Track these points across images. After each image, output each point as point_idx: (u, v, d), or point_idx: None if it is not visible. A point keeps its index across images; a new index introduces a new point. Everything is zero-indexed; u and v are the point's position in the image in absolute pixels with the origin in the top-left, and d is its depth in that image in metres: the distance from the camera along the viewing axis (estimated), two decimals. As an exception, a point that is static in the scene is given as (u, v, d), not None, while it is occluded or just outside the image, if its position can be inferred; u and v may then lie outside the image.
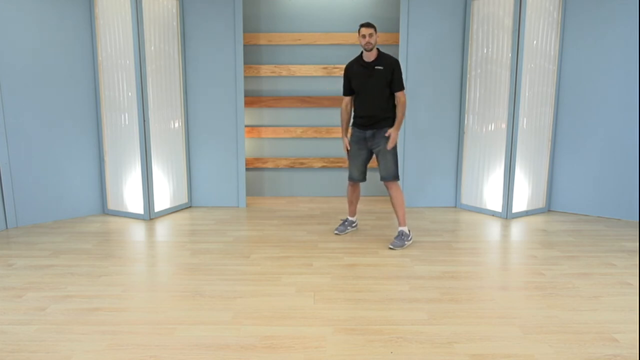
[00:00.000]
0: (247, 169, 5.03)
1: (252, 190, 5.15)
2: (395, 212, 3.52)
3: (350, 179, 3.66)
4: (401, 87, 3.44)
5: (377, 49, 3.42)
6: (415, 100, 4.50)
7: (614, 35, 4.04)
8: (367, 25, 3.33)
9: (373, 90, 3.42)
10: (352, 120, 3.63)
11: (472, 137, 4.46)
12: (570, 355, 2.02)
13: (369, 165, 3.69)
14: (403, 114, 3.44)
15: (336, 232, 3.78)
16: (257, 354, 2.02)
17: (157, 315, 2.38)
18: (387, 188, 3.51)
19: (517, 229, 3.96)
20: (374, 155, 3.59)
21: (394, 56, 3.49)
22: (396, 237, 3.46)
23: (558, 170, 4.45)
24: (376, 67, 3.38)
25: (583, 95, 4.24)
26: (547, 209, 4.51)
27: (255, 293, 2.64)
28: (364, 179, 3.65)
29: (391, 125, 3.48)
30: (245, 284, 2.76)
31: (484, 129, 4.36)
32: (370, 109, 3.45)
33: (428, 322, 2.30)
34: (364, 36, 3.32)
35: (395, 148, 3.48)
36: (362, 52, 3.45)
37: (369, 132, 3.50)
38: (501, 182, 4.28)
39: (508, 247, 3.51)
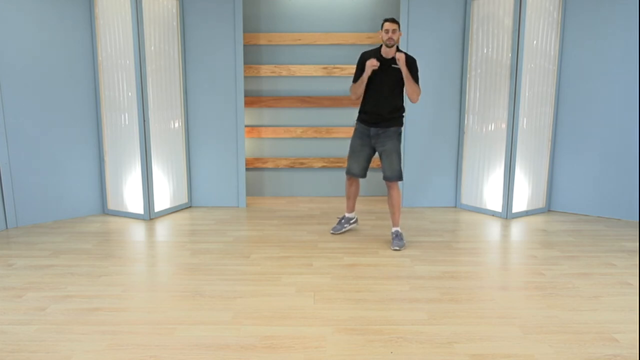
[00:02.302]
0: (247, 169, 5.03)
1: (252, 190, 5.15)
2: (393, 212, 3.51)
3: (350, 173, 3.60)
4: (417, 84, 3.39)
5: (397, 46, 3.35)
6: (415, 100, 4.50)
7: (614, 35, 4.04)
8: (392, 20, 3.27)
9: (385, 87, 3.37)
10: (357, 115, 3.59)
11: (472, 137, 4.46)
12: (570, 355, 2.02)
13: (370, 165, 3.67)
14: (417, 86, 3.34)
15: (332, 231, 3.77)
16: (257, 354, 2.02)
17: (157, 315, 2.38)
18: (389, 187, 3.49)
19: (517, 229, 3.96)
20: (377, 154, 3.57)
21: (413, 57, 3.44)
22: (395, 238, 3.45)
23: (558, 170, 4.45)
24: (393, 65, 3.33)
25: (583, 95, 4.24)
26: (547, 209, 4.51)
27: (255, 293, 2.64)
28: (364, 175, 3.61)
29: (397, 125, 3.45)
30: (245, 284, 2.76)
31: (484, 129, 4.36)
32: (378, 105, 3.40)
33: (428, 322, 2.30)
34: (387, 31, 3.25)
35: (399, 148, 3.46)
36: (381, 46, 3.38)
37: (373, 130, 3.46)
38: (501, 182, 4.28)
39: (508, 247, 3.51)
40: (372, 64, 3.28)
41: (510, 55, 4.09)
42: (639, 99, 4.01)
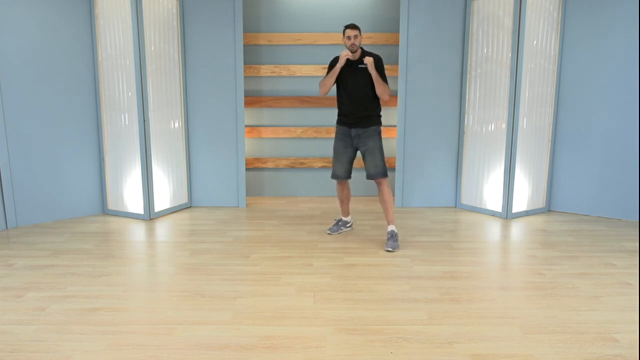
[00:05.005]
0: (247, 169, 5.03)
1: (252, 190, 5.15)
2: (386, 210, 3.50)
3: (336, 177, 3.64)
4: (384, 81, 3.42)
5: (361, 47, 3.41)
6: (415, 100, 4.50)
7: (614, 35, 4.04)
8: (353, 27, 3.33)
9: (356, 89, 3.42)
10: (336, 118, 3.63)
11: (472, 137, 4.46)
12: (570, 355, 2.01)
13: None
14: (385, 85, 3.37)
15: (329, 231, 3.78)
16: (257, 354, 2.02)
17: (157, 315, 2.38)
18: (378, 185, 3.51)
19: (517, 229, 3.96)
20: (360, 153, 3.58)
21: (379, 55, 3.48)
22: (390, 239, 3.43)
23: (558, 170, 4.45)
24: (360, 66, 3.39)
25: (583, 95, 4.24)
26: (547, 209, 4.51)
27: (255, 293, 2.64)
28: (349, 176, 3.65)
29: (376, 124, 3.49)
30: (245, 284, 2.76)
31: (484, 129, 4.36)
32: (353, 107, 3.45)
33: (428, 322, 2.30)
34: (349, 37, 3.32)
35: (381, 146, 3.48)
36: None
37: (354, 131, 3.50)
38: (501, 182, 4.28)
39: (508, 247, 3.51)
40: (345, 54, 3.34)
41: (510, 55, 4.09)
42: (639, 99, 4.01)
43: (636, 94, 4.01)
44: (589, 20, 4.13)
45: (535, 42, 4.11)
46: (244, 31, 4.75)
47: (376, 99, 3.47)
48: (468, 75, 4.40)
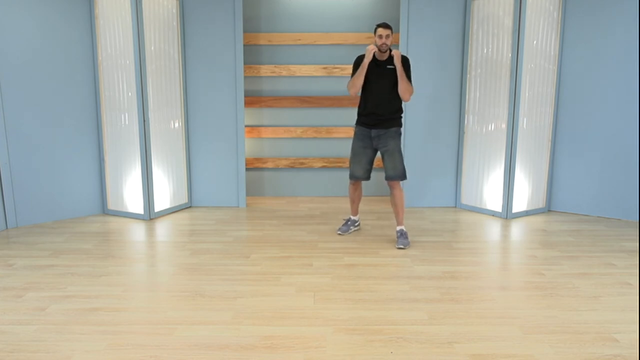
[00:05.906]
0: (247, 169, 5.03)
1: (252, 190, 5.15)
2: (397, 211, 3.52)
3: (355, 178, 3.61)
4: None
5: (390, 49, 3.39)
6: (415, 100, 4.50)
7: (614, 35, 4.04)
8: (385, 26, 3.29)
9: (382, 90, 3.41)
10: (356, 118, 3.61)
11: (472, 137, 4.46)
12: (570, 355, 2.02)
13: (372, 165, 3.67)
14: (409, 83, 3.36)
15: (339, 232, 3.77)
16: (257, 354, 2.02)
17: (157, 315, 2.38)
18: (391, 187, 3.50)
19: (517, 229, 3.96)
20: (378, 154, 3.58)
21: (406, 56, 3.48)
22: (400, 237, 3.47)
23: (558, 170, 4.45)
24: (388, 67, 3.37)
25: (583, 95, 4.24)
26: (547, 209, 4.51)
27: (255, 293, 2.64)
28: (368, 177, 3.61)
29: (397, 125, 3.48)
30: (245, 284, 2.76)
31: (484, 129, 4.36)
32: (377, 107, 3.43)
33: (428, 322, 2.30)
34: (380, 36, 3.29)
35: (401, 148, 3.49)
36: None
37: (374, 132, 3.49)
38: (501, 182, 4.28)
39: (508, 247, 3.51)
40: (371, 48, 3.31)
41: (510, 55, 4.09)
42: (639, 99, 4.01)
43: (636, 94, 4.01)
44: (589, 20, 4.13)
45: (535, 42, 4.11)
46: (244, 31, 4.75)
47: (400, 101, 3.45)
48: (468, 75, 4.40)
